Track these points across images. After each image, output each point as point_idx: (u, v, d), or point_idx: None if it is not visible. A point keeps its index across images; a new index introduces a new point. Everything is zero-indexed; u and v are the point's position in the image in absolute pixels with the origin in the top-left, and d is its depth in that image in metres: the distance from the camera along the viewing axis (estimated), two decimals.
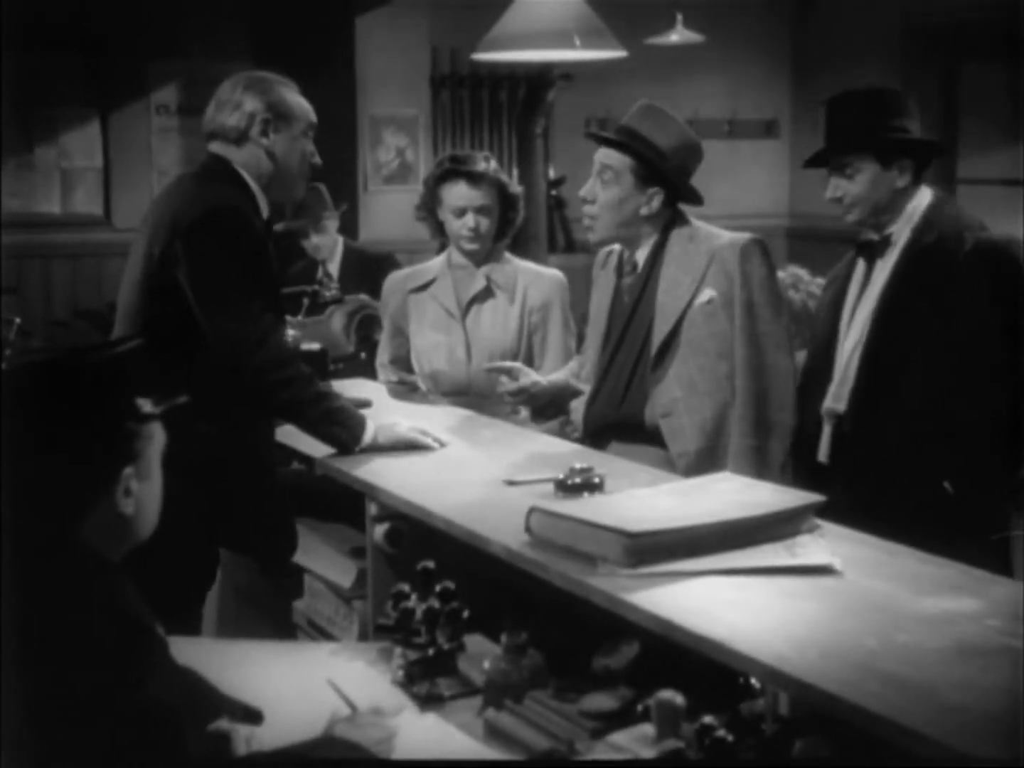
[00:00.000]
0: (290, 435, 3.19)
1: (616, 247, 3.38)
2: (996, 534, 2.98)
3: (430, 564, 2.51)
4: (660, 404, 3.18)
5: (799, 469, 3.24)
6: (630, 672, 2.30)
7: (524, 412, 3.69)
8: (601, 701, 2.26)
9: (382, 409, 3.54)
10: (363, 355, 4.36)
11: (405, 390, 3.89)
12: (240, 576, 3.51)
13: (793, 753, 1.93)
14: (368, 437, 3.08)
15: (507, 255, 3.85)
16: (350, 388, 3.75)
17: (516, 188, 3.82)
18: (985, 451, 3.01)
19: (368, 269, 5.36)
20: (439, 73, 8.03)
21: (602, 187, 3.24)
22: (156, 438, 1.95)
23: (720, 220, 3.48)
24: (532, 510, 2.39)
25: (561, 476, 2.66)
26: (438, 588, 2.47)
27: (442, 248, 4.04)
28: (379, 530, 2.86)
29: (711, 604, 2.08)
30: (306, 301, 4.54)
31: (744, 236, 3.24)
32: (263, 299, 2.99)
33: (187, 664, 2.05)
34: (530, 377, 3.42)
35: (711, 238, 3.23)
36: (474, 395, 3.72)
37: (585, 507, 2.45)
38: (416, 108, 7.68)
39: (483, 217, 3.71)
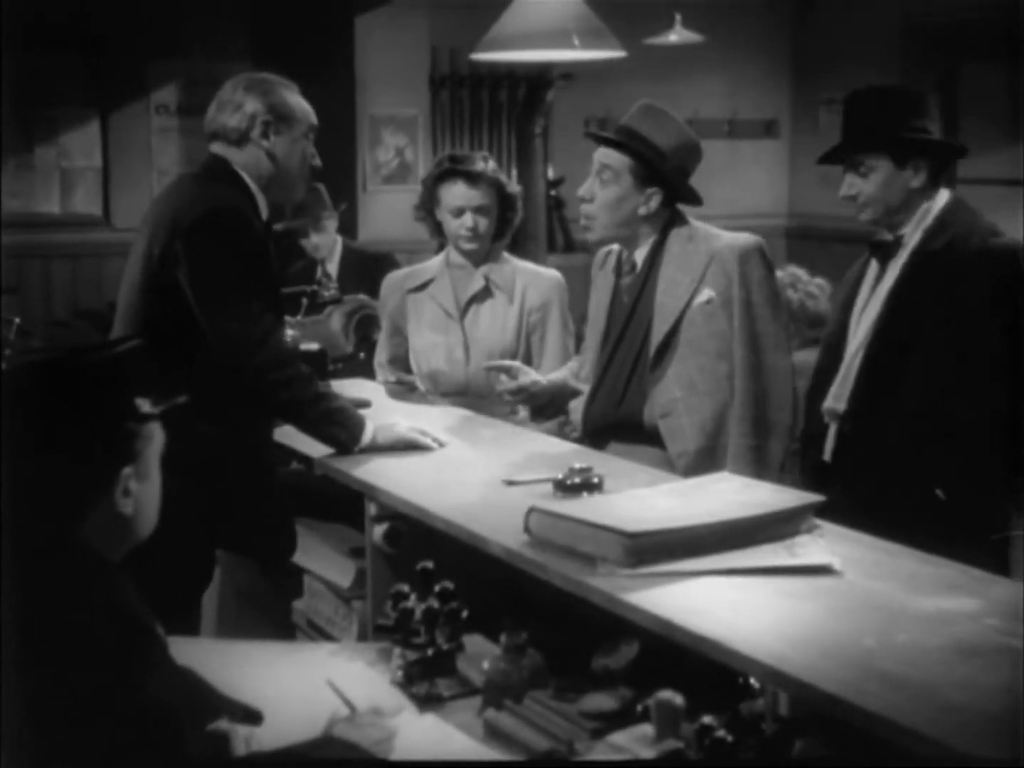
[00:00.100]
0: (289, 435, 3.19)
1: (615, 247, 3.38)
2: (996, 534, 2.98)
3: (429, 564, 2.51)
4: (659, 404, 3.18)
5: (806, 468, 3.24)
6: (630, 672, 2.30)
7: (523, 412, 3.69)
8: (601, 701, 2.26)
9: (381, 409, 3.54)
10: (362, 355, 4.36)
11: (403, 390, 3.89)
12: (240, 576, 3.50)
13: (793, 753, 1.93)
14: (367, 437, 3.08)
15: (506, 255, 3.85)
16: (349, 388, 3.75)
17: (514, 188, 3.82)
18: (985, 452, 3.01)
19: (367, 269, 5.36)
20: (439, 73, 8.02)
21: (601, 186, 3.24)
22: (155, 438, 1.95)
23: (720, 220, 3.48)
24: (531, 510, 2.39)
25: (560, 476, 2.66)
26: (437, 588, 2.47)
27: (441, 248, 4.04)
28: (378, 530, 2.86)
29: (711, 604, 2.08)
30: (305, 301, 4.54)
31: (743, 236, 3.24)
32: (263, 299, 3.00)
33: (187, 664, 2.05)
34: (529, 376, 3.42)
35: (710, 238, 3.23)
36: (472, 395, 3.72)
37: (584, 507, 2.45)
38: (415, 108, 7.68)
39: (481, 217, 3.71)
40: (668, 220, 3.27)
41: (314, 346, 3.92)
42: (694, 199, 3.28)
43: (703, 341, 3.17)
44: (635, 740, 2.12)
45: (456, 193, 3.70)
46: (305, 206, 5.41)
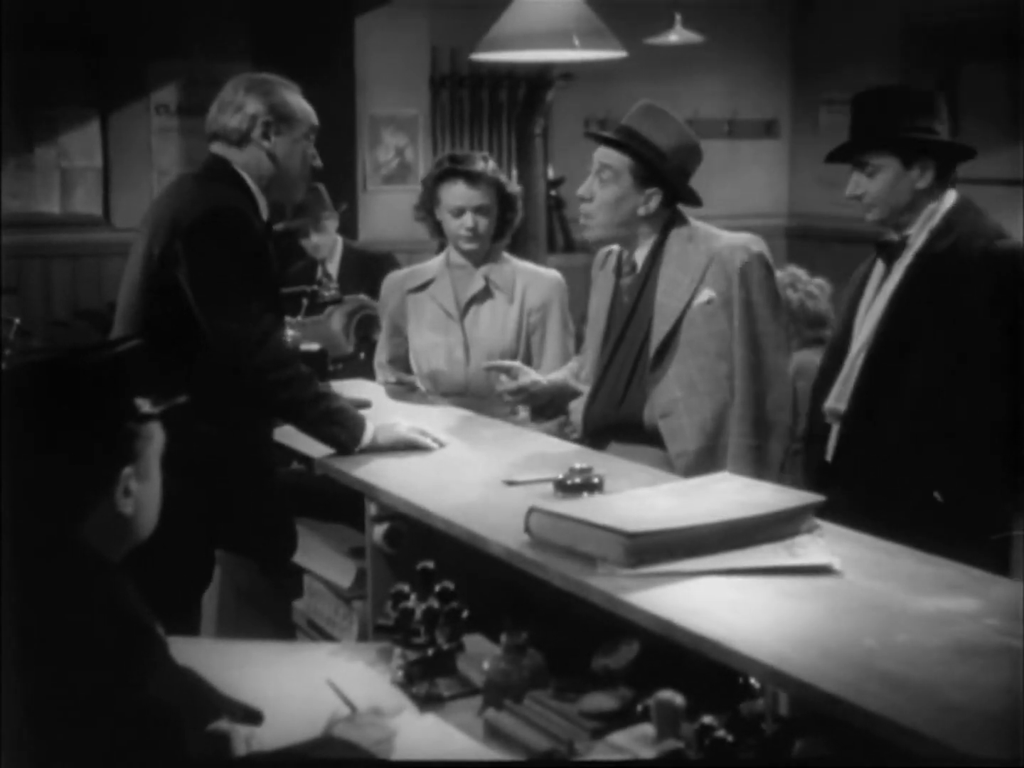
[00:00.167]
0: (290, 435, 3.19)
1: (615, 247, 3.38)
2: (996, 534, 2.98)
3: (429, 564, 2.51)
4: (659, 404, 3.18)
5: (809, 468, 3.24)
6: (630, 672, 2.30)
7: (523, 412, 3.69)
8: (601, 701, 2.26)
9: (381, 409, 3.54)
10: (362, 355, 4.36)
11: (403, 390, 3.89)
12: (240, 576, 3.51)
13: (793, 753, 1.93)
14: (367, 437, 3.08)
15: (506, 255, 3.85)
16: (349, 388, 3.75)
17: (514, 188, 3.82)
18: (985, 452, 3.01)
19: (367, 269, 5.36)
20: (439, 73, 8.03)
21: (600, 186, 3.24)
22: (155, 438, 1.95)
23: (720, 220, 3.48)
24: (531, 510, 2.39)
25: (560, 476, 2.66)
26: (437, 588, 2.47)
27: (441, 248, 4.04)
28: (378, 530, 2.86)
29: (711, 604, 2.08)
30: (305, 301, 4.54)
31: (743, 236, 3.24)
32: (263, 299, 3.00)
33: (187, 664, 2.05)
34: (529, 376, 3.42)
35: (710, 238, 3.23)
36: (472, 395, 3.72)
37: (584, 507, 2.45)
38: (416, 108, 7.68)
39: (481, 217, 3.71)
40: (668, 220, 3.27)
41: (314, 346, 3.92)
42: (694, 200, 3.28)
43: (703, 341, 3.17)
44: (635, 740, 2.12)
45: (456, 193, 3.70)
46: (305, 206, 5.41)
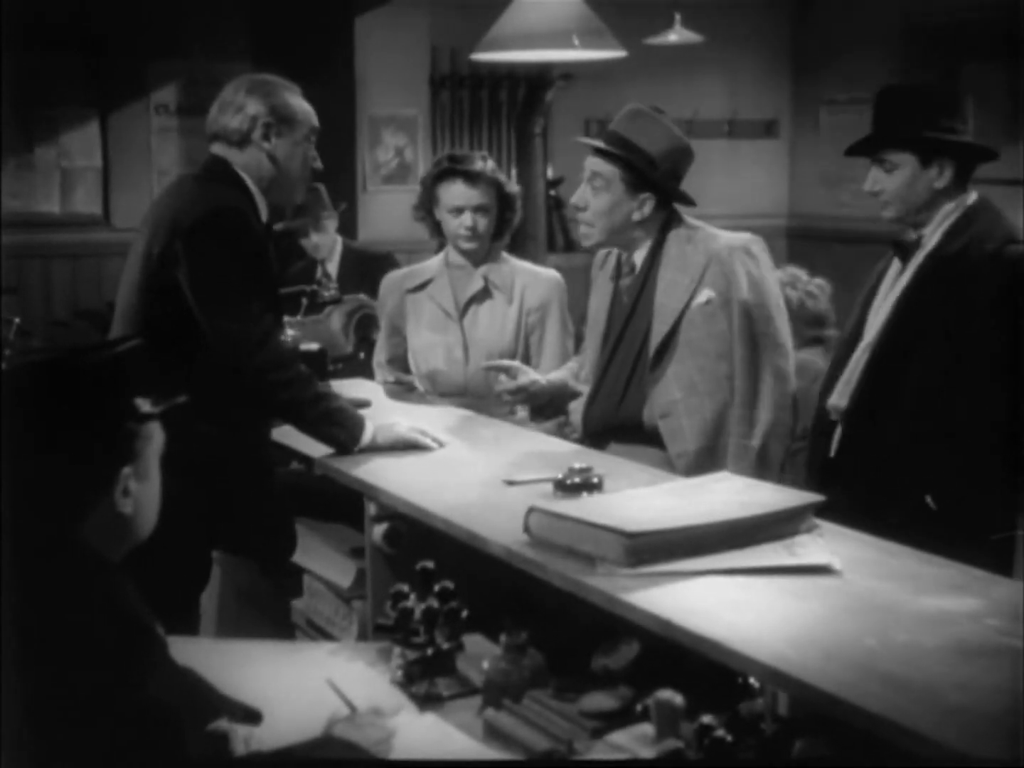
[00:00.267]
0: (290, 435, 3.19)
1: (614, 249, 3.38)
2: (997, 535, 2.98)
3: (429, 564, 2.51)
4: (659, 405, 3.18)
5: (813, 464, 3.24)
6: (630, 672, 2.30)
7: (523, 412, 3.69)
8: (601, 701, 2.26)
9: (381, 409, 3.54)
10: (362, 355, 4.36)
11: (402, 390, 3.89)
12: (240, 576, 3.51)
13: (793, 753, 1.93)
14: (367, 437, 3.08)
15: (505, 255, 3.85)
16: (349, 388, 3.75)
17: (513, 187, 3.82)
18: (984, 452, 3.01)
19: (367, 269, 5.35)
20: (438, 73, 8.02)
21: (593, 194, 3.24)
22: (155, 438, 1.95)
23: (719, 220, 3.48)
24: (531, 510, 2.39)
25: (560, 476, 2.66)
26: (437, 588, 2.47)
27: (440, 248, 4.04)
28: (378, 530, 2.86)
29: (711, 604, 2.08)
30: (305, 301, 4.54)
31: (742, 236, 3.24)
32: (263, 300, 3.00)
33: (187, 664, 2.05)
34: (529, 376, 3.42)
35: (709, 239, 3.23)
36: (471, 395, 3.72)
37: (584, 507, 2.45)
38: (415, 108, 7.68)
39: (480, 216, 3.71)
40: (665, 222, 3.26)
41: (314, 346, 3.92)
42: (686, 201, 3.27)
43: (703, 342, 3.17)
44: (635, 740, 2.12)
45: (455, 193, 3.70)
46: (305, 206, 5.40)
